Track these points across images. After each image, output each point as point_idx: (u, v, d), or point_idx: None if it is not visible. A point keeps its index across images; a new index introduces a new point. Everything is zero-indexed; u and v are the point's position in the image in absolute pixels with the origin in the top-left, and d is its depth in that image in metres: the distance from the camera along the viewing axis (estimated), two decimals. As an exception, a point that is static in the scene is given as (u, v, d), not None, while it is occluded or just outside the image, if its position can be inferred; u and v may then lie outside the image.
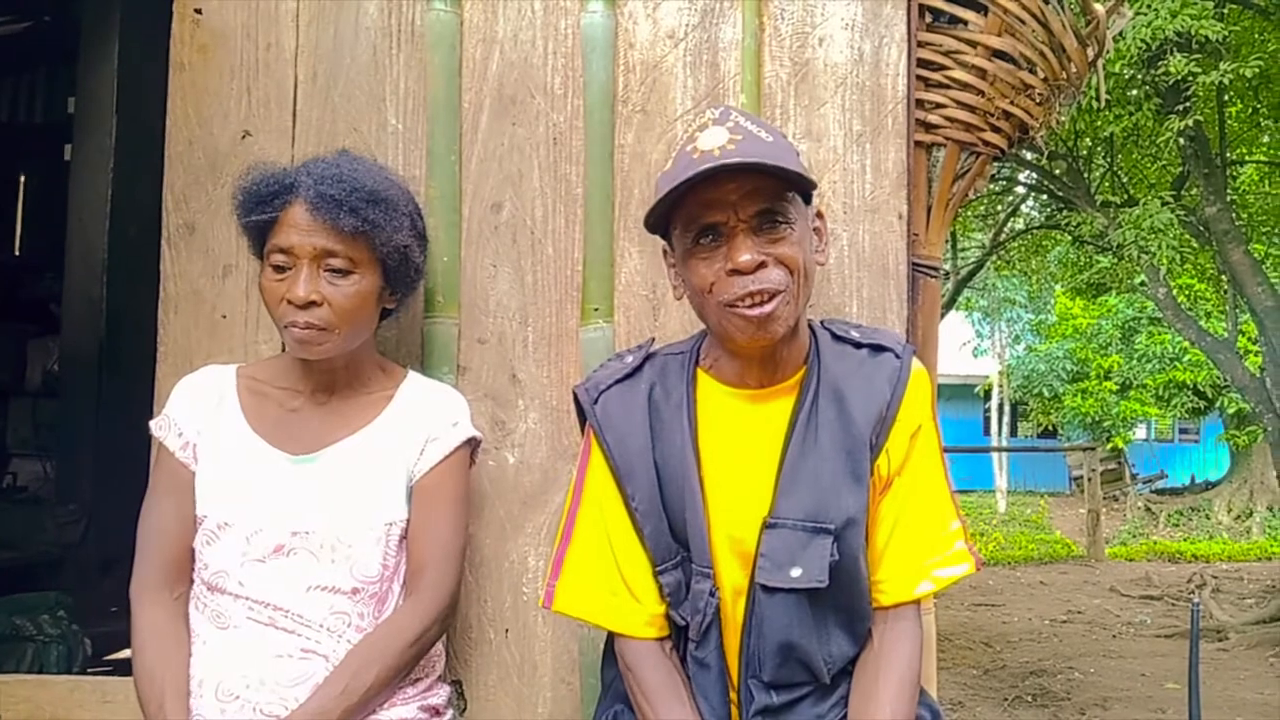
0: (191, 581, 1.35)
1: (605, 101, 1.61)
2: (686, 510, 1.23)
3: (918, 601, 1.26)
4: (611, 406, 1.28)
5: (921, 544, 1.25)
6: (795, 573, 1.18)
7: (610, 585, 1.27)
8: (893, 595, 1.24)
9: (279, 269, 1.30)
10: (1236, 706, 4.62)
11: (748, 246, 1.16)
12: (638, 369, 1.30)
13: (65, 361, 3.73)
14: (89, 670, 2.66)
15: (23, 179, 5.50)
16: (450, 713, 1.42)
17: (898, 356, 1.27)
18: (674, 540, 1.24)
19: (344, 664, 1.27)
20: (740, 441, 1.25)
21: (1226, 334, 9.85)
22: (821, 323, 1.33)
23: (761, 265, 1.16)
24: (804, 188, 1.22)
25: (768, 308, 1.16)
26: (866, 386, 1.25)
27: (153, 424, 1.39)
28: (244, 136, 1.65)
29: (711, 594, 1.22)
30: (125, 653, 1.34)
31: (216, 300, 1.63)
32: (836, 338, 1.30)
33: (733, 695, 1.25)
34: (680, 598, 1.24)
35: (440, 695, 1.40)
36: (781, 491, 1.21)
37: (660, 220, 1.26)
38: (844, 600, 1.22)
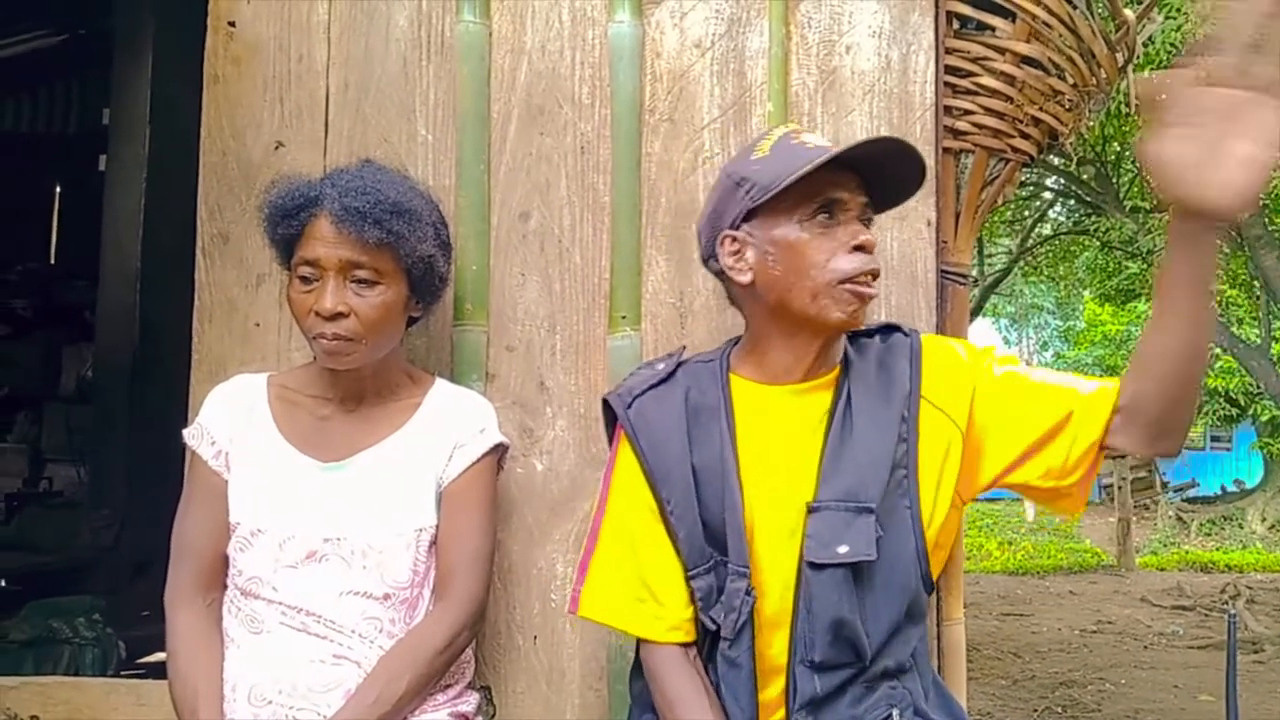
0: (225, 587, 1.37)
1: (632, 111, 1.62)
2: (726, 511, 1.23)
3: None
4: (648, 411, 1.29)
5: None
6: (842, 549, 1.19)
7: (635, 591, 1.27)
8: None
9: (306, 280, 1.32)
10: (1273, 720, 4.55)
11: (864, 228, 1.24)
12: (671, 375, 1.32)
13: (99, 368, 3.80)
14: (123, 673, 2.70)
15: (58, 188, 5.61)
16: (480, 719, 1.43)
17: (906, 334, 1.33)
18: (709, 544, 1.25)
19: (376, 672, 1.28)
20: (780, 436, 1.27)
21: (1260, 340, 9.71)
22: None
23: (873, 248, 1.24)
24: (908, 193, 1.31)
25: (875, 288, 1.23)
26: (888, 371, 1.29)
27: (186, 433, 1.41)
28: (277, 147, 1.67)
29: (748, 593, 1.22)
30: (159, 656, 1.36)
31: (250, 309, 1.66)
32: (850, 334, 1.34)
33: (760, 696, 1.25)
34: (711, 601, 1.25)
35: (470, 702, 1.41)
36: (824, 478, 1.23)
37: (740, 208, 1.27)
38: (887, 577, 1.22)
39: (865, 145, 1.21)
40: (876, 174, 1.25)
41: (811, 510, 1.22)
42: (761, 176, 1.23)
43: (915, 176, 1.27)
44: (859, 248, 1.22)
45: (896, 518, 1.24)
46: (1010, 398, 1.28)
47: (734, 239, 1.27)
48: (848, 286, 1.21)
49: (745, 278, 1.26)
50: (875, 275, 1.23)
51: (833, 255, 1.21)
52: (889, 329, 1.34)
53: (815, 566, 1.20)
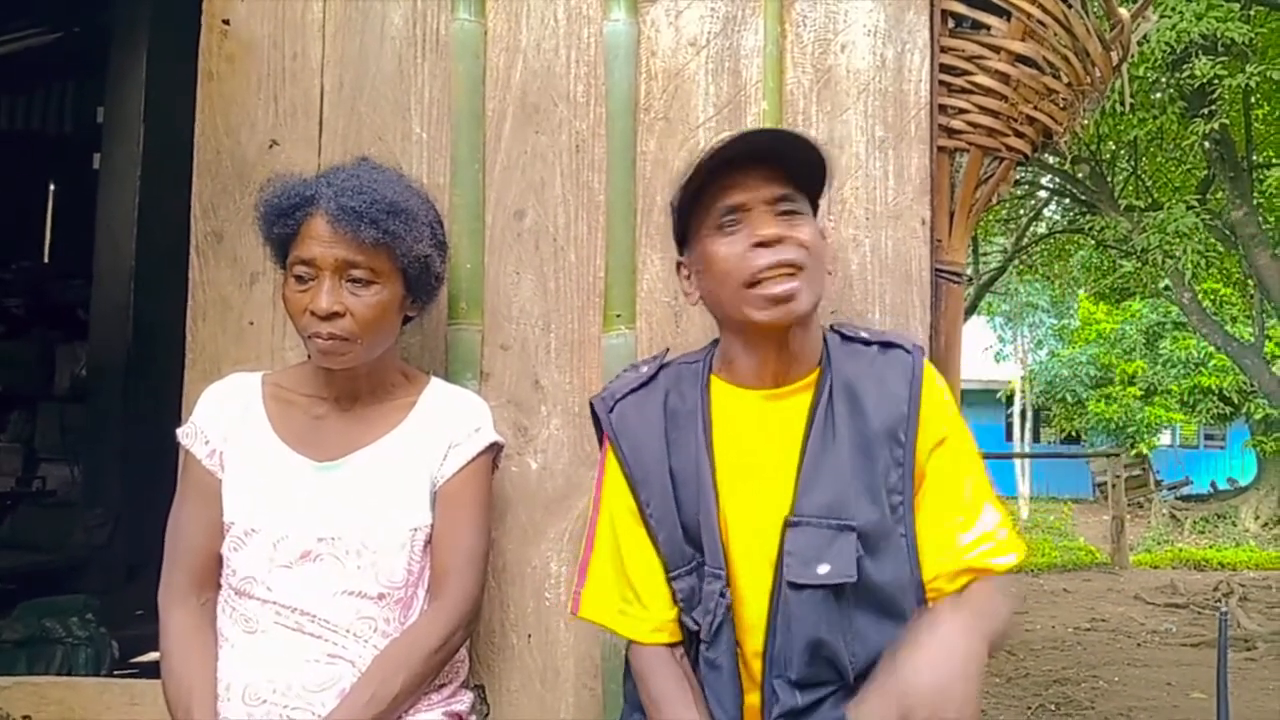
0: (219, 587, 1.36)
1: (627, 109, 1.62)
2: (700, 513, 1.24)
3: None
4: (628, 415, 1.31)
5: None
6: (823, 569, 1.19)
7: (623, 593, 1.29)
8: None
9: (301, 280, 1.31)
10: (1266, 717, 4.56)
11: (770, 223, 1.21)
12: (652, 378, 1.33)
13: (93, 367, 3.80)
14: (116, 672, 2.70)
15: (52, 187, 5.59)
16: (474, 718, 1.43)
17: (908, 352, 1.30)
18: (688, 545, 1.26)
19: (370, 671, 1.28)
20: (757, 442, 1.27)
21: (1253, 339, 9.75)
22: (831, 326, 1.36)
23: (781, 241, 1.21)
24: (817, 187, 1.28)
25: (791, 284, 1.19)
26: (879, 387, 1.26)
27: (180, 432, 1.40)
28: (271, 145, 1.67)
29: (722, 594, 1.22)
30: (152, 655, 1.36)
31: (244, 307, 1.65)
32: (846, 338, 1.33)
33: (746, 698, 1.25)
34: (693, 602, 1.25)
35: (464, 701, 1.41)
36: (802, 489, 1.22)
37: (679, 227, 1.31)
38: (872, 596, 1.21)
39: (725, 149, 1.19)
40: (797, 161, 1.23)
41: (791, 525, 1.21)
42: (678, 199, 1.27)
43: (819, 158, 1.24)
44: (760, 244, 1.20)
45: (892, 544, 1.22)
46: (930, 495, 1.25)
47: (683, 264, 1.33)
48: (755, 291, 1.20)
49: (694, 299, 1.31)
50: (788, 267, 1.20)
51: (737, 258, 1.21)
52: (889, 344, 1.30)
53: (795, 586, 1.20)
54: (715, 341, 1.36)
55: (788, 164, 1.24)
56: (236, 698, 1.27)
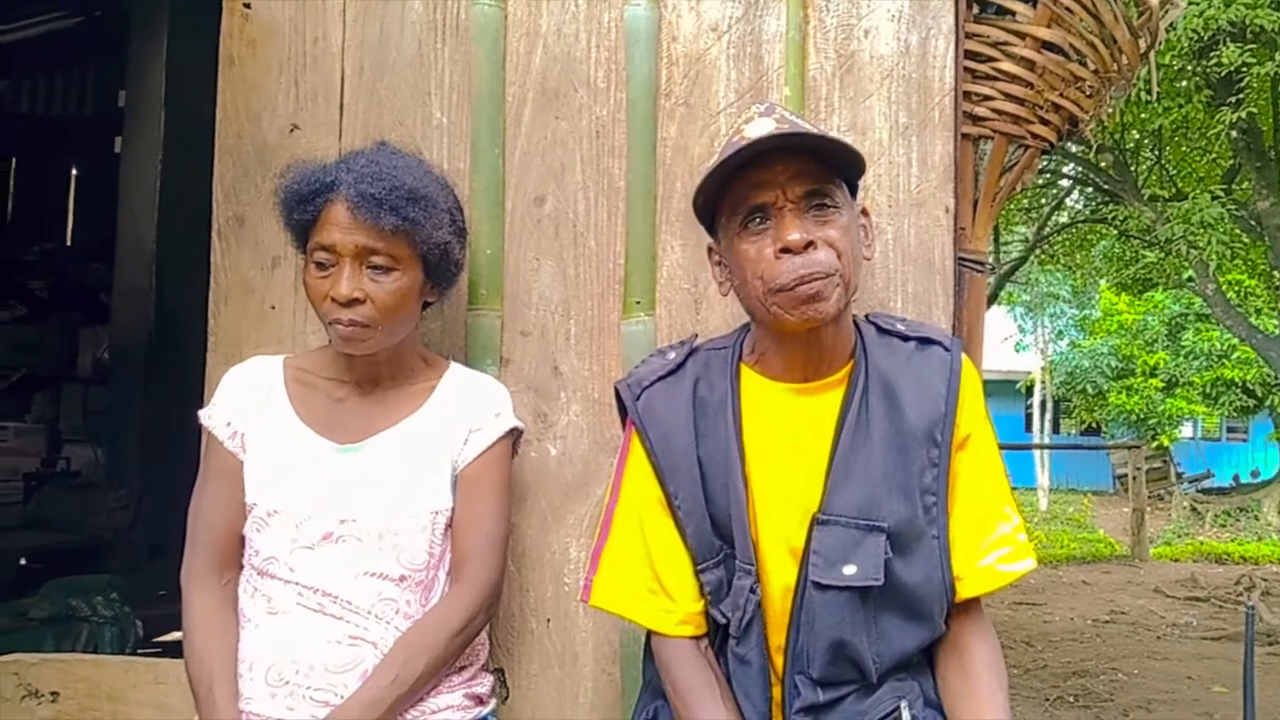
0: (241, 567, 1.38)
1: (648, 95, 1.61)
2: (730, 507, 1.22)
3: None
4: (655, 404, 1.28)
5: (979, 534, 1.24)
6: (849, 570, 1.17)
7: (646, 583, 1.27)
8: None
9: (322, 266, 1.32)
10: (1286, 712, 4.53)
11: (796, 225, 1.16)
12: (681, 365, 1.30)
13: (115, 349, 3.83)
14: (140, 651, 2.73)
15: (74, 171, 5.64)
16: (493, 701, 1.44)
17: (947, 349, 1.26)
18: (717, 538, 1.24)
19: (393, 653, 1.29)
20: (788, 436, 1.24)
21: (1278, 331, 9.64)
22: (866, 316, 1.32)
23: (810, 245, 1.16)
24: (852, 170, 1.23)
25: (817, 285, 1.16)
26: (917, 383, 1.23)
27: (202, 414, 1.42)
28: (292, 130, 1.67)
29: (752, 590, 1.21)
30: (175, 635, 1.38)
31: (265, 291, 1.66)
32: (882, 330, 1.29)
33: (774, 692, 1.24)
34: (721, 595, 1.24)
35: (484, 684, 1.42)
36: (832, 487, 1.20)
37: (706, 212, 1.28)
38: (898, 598, 1.19)
39: (750, 147, 1.15)
40: (828, 150, 1.19)
41: (819, 523, 1.19)
42: (700, 196, 1.25)
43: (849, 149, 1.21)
44: (786, 250, 1.16)
45: (924, 546, 1.20)
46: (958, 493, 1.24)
47: (714, 250, 1.30)
48: (783, 295, 1.16)
49: (726, 289, 1.28)
50: (814, 275, 1.15)
51: (765, 263, 1.17)
52: (928, 340, 1.27)
53: (819, 586, 1.18)
54: (744, 328, 1.33)
55: (819, 152, 1.19)
56: (259, 677, 1.29)
